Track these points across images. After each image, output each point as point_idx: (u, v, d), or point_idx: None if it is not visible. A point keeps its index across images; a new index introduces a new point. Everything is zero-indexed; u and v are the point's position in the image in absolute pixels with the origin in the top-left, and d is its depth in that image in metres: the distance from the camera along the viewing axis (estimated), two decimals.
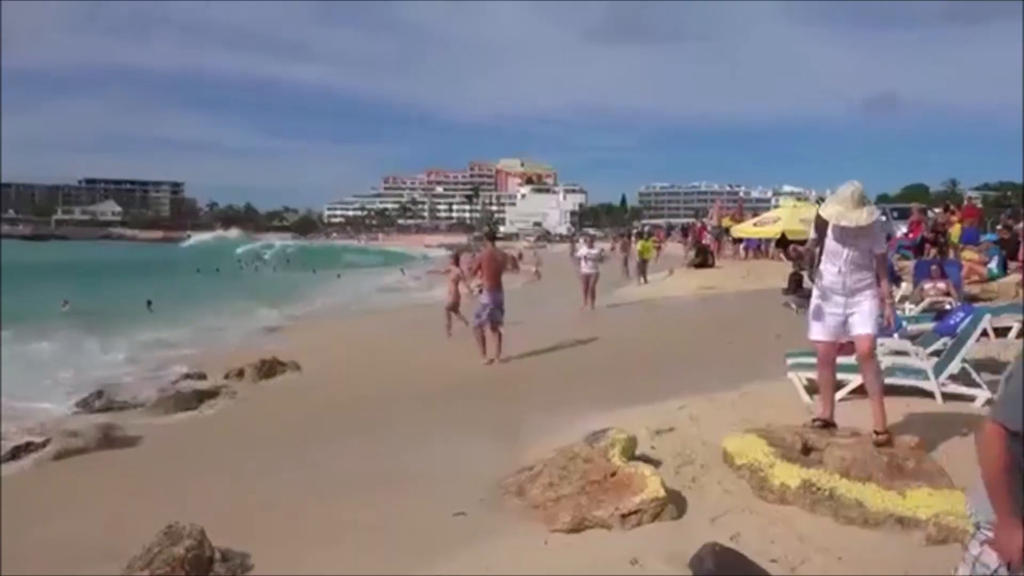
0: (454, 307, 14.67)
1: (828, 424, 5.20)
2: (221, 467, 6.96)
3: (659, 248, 34.30)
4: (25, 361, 13.61)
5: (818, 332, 5.19)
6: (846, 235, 5.00)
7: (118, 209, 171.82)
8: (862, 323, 5.06)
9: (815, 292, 5.26)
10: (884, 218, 5.36)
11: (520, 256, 46.22)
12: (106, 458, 7.56)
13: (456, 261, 15.59)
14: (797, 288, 14.24)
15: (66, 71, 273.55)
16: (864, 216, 4.92)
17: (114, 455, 7.66)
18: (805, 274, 13.77)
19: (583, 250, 18.48)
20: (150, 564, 4.10)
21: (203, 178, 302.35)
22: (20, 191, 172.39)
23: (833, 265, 5.09)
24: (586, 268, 17.76)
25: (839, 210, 4.96)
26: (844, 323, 5.11)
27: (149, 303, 23.31)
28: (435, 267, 17.69)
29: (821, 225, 5.13)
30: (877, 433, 4.87)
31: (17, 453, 7.56)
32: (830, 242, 5.08)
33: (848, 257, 5.04)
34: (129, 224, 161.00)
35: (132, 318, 19.95)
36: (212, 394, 10.18)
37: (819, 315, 5.17)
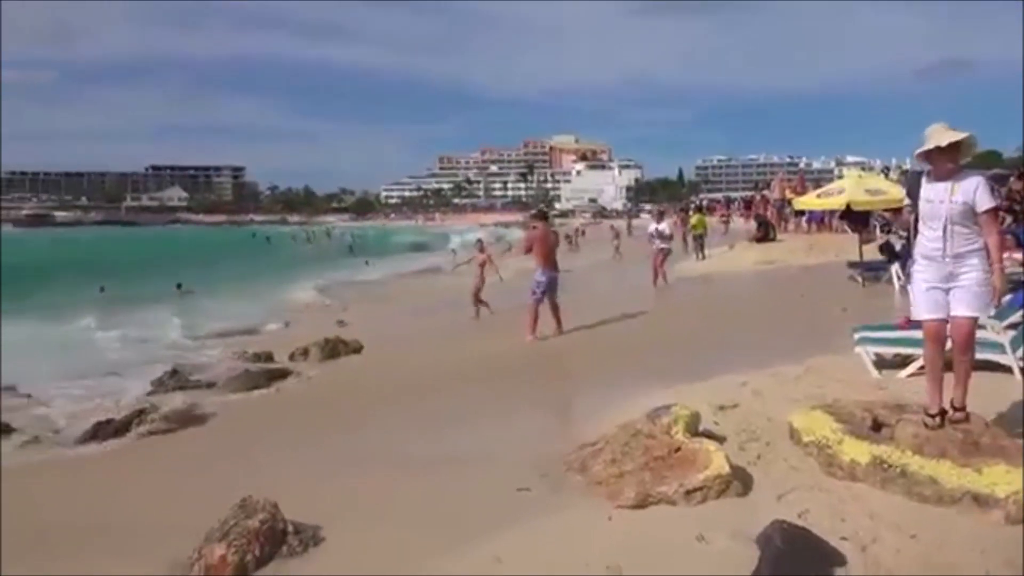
0: (477, 291, 14.94)
1: (944, 415, 4.60)
2: (291, 444, 7.15)
3: (726, 222, 33.68)
4: (112, 339, 14.24)
5: (924, 309, 4.56)
6: (938, 191, 4.47)
7: (183, 195, 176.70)
8: (962, 301, 4.43)
9: (916, 265, 4.69)
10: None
11: (582, 233, 46.14)
12: (181, 435, 7.85)
13: (482, 247, 15.88)
14: (892, 256, 13.56)
15: (130, 63, 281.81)
16: (953, 134, 4.40)
17: (188, 432, 7.94)
18: (894, 237, 13.29)
19: (653, 225, 18.21)
20: (226, 536, 4.24)
21: (263, 162, 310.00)
22: (92, 179, 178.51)
23: (930, 229, 4.50)
24: (658, 243, 17.46)
25: (925, 139, 4.49)
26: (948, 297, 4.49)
27: (179, 285, 23.84)
28: (460, 258, 17.80)
29: (913, 184, 4.65)
30: (955, 409, 4.64)
31: (97, 431, 7.89)
32: (923, 203, 4.53)
33: (949, 216, 4.42)
34: (193, 209, 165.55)
35: (217, 298, 20.70)
36: (281, 374, 10.47)
37: (922, 290, 4.57)
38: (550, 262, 11.52)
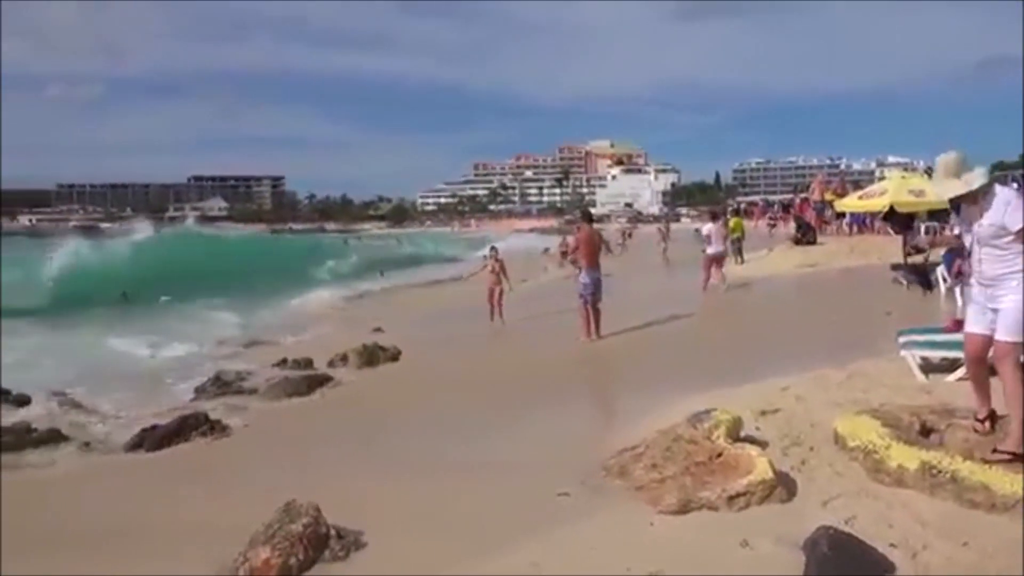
0: (492, 295, 15.13)
1: (994, 418, 4.54)
2: (332, 450, 7.23)
3: (773, 225, 33.28)
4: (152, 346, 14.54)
5: (968, 321, 4.54)
6: (966, 213, 4.42)
7: (224, 204, 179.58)
8: (1000, 326, 4.30)
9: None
10: (1016, 187, 4.60)
11: (629, 235, 46.02)
12: (225, 441, 7.97)
13: (496, 254, 15.93)
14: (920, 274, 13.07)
15: (170, 76, 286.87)
16: (957, 186, 4.29)
17: (232, 439, 8.06)
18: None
19: (709, 226, 17.32)
20: (271, 539, 4.30)
21: (301, 171, 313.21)
22: (136, 191, 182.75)
23: (972, 252, 4.45)
24: (714, 247, 16.43)
25: (935, 186, 4.47)
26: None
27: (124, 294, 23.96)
28: (472, 269, 17.52)
29: (953, 207, 4.56)
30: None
31: (144, 438, 8.04)
32: (961, 223, 4.47)
33: (978, 239, 4.35)
34: (235, 218, 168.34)
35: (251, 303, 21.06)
36: (321, 380, 10.57)
37: (970, 302, 4.57)
38: (594, 263, 11.74)
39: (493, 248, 16.49)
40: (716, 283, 16.05)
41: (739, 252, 22.34)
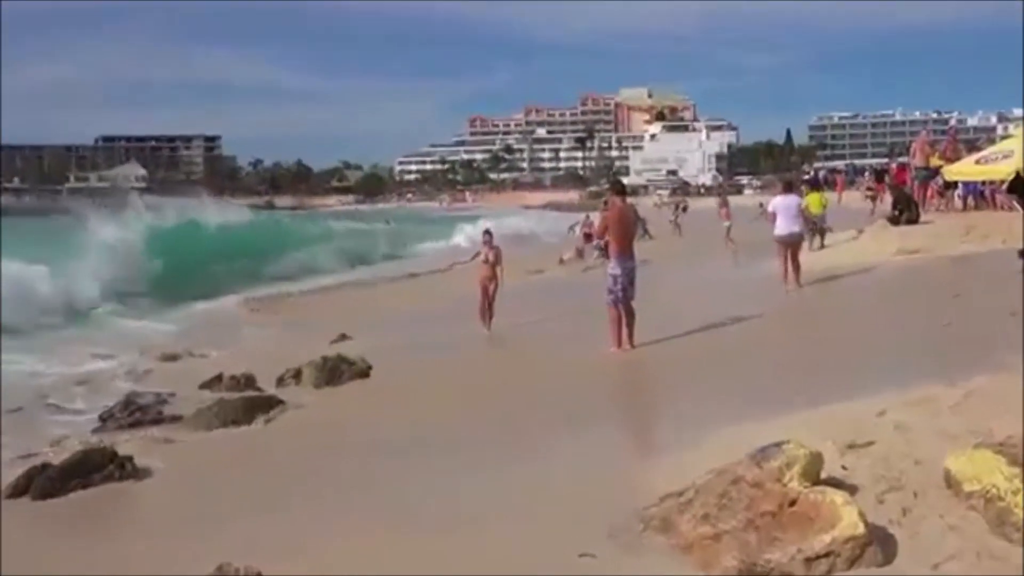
0: (484, 293, 15.30)
1: None
2: (280, 497, 7.22)
3: (874, 198, 33.31)
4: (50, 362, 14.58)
5: None
6: None
7: (142, 172, 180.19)
8: None
9: None
10: None
11: (684, 209, 46.13)
12: (137, 486, 7.96)
13: (490, 240, 15.94)
14: None
15: (72, 5, 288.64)
16: None
17: (149, 482, 8.06)
18: None
19: (777, 200, 16.74)
20: None
21: (243, 130, 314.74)
22: (26, 156, 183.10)
23: None
24: (786, 226, 15.85)
25: None
26: None
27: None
28: (460, 259, 17.37)
29: None
30: None
31: (30, 483, 7.93)
32: None
33: None
34: (156, 190, 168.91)
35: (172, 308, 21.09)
36: (266, 404, 10.58)
37: None
38: (627, 249, 11.75)
39: (487, 232, 16.49)
40: (790, 284, 15.69)
41: (818, 234, 22.29)
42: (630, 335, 11.62)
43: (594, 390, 10.10)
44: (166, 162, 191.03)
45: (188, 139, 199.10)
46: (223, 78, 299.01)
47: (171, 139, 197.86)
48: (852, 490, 4.97)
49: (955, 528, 4.57)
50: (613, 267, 11.67)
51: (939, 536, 4.52)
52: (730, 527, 4.64)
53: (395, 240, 48.42)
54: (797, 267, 15.81)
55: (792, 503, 4.62)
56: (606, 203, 12.44)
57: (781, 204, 16.28)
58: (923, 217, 23.92)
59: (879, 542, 4.39)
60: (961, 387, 6.83)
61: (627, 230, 11.89)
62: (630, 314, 11.65)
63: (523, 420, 8.93)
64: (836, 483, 5.04)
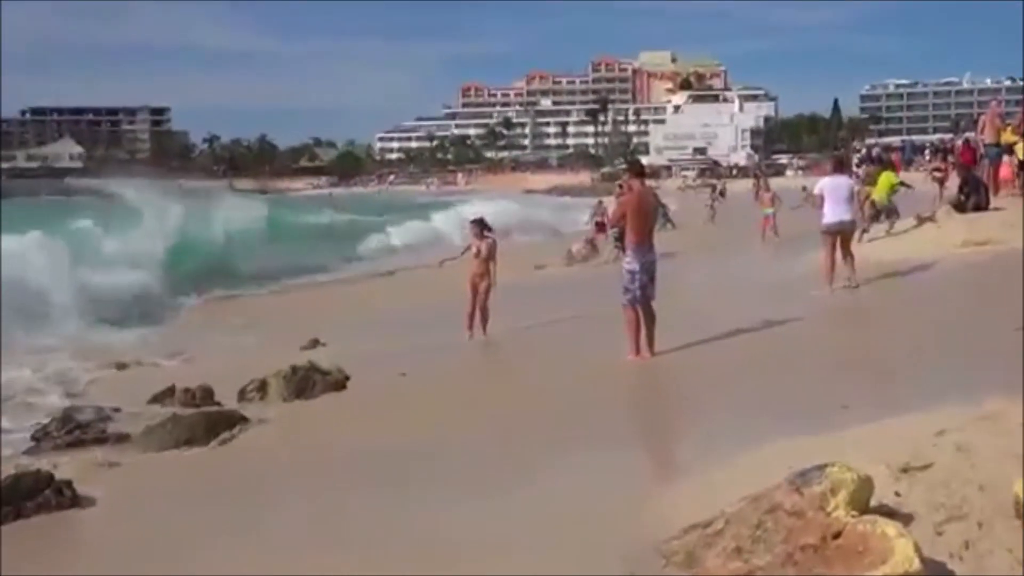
0: (473, 291, 15.33)
1: None
2: (239, 525, 7.29)
3: (941, 180, 33.20)
4: None
5: None
6: None
7: (78, 150, 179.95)
8: None
9: None
10: None
11: (721, 193, 46.22)
12: (81, 516, 7.98)
13: (481, 230, 15.84)
14: None
15: None
16: None
17: (91, 512, 8.08)
18: None
19: (824, 182, 16.31)
20: None
21: (196, 101, 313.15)
22: None
23: None
24: (836, 214, 15.46)
25: None
26: None
27: None
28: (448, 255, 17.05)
29: None
30: None
31: None
32: None
33: None
34: (94, 171, 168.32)
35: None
36: (227, 421, 10.60)
37: None
38: (646, 239, 11.76)
39: (478, 222, 16.25)
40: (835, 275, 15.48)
41: (883, 219, 22.19)
42: (650, 341, 11.65)
43: (607, 404, 10.14)
44: (106, 138, 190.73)
45: (132, 111, 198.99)
46: (173, 40, 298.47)
47: (112, 111, 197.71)
48: (906, 520, 5.00)
49: None
50: (630, 261, 11.67)
51: (1008, 571, 4.55)
52: (765, 563, 4.66)
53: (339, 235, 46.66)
54: (851, 260, 15.56)
55: (837, 535, 4.64)
56: (622, 186, 12.46)
57: (830, 186, 15.96)
58: (993, 203, 23.96)
59: None
60: None
61: (647, 218, 11.92)
62: (650, 316, 11.66)
63: (524, 439, 8.98)
64: (888, 512, 5.07)
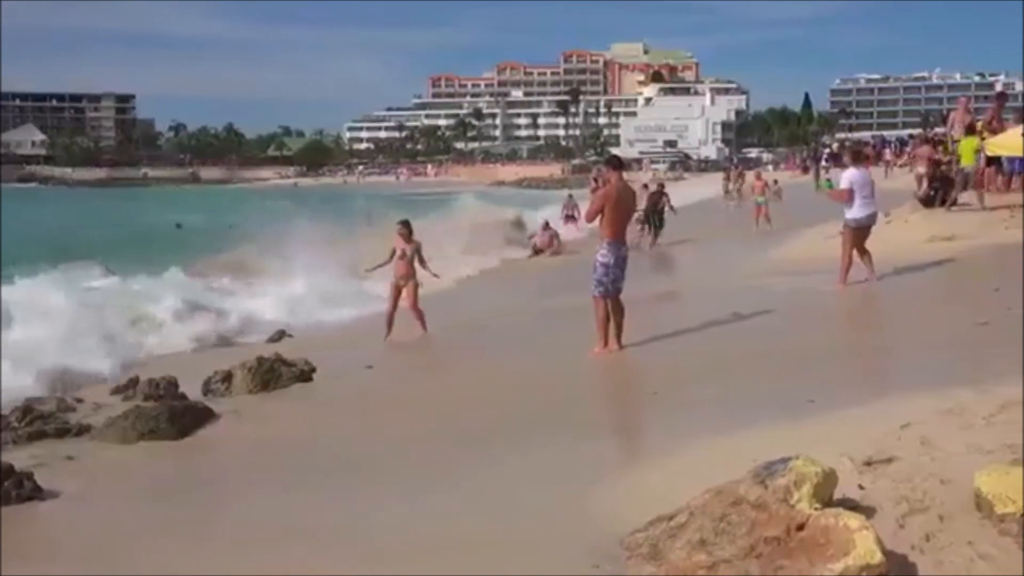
0: (396, 292, 15.62)
1: None
2: (204, 519, 7.29)
3: (931, 176, 33.63)
4: None
5: None
6: None
7: (40, 137, 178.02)
8: None
9: None
10: None
11: (740, 177, 46.37)
12: (43, 511, 7.93)
13: (408, 232, 16.04)
14: None
15: None
16: None
17: (54, 506, 8.01)
18: None
19: (850, 175, 15.38)
20: None
21: (162, 88, 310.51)
22: None
23: None
24: (863, 208, 14.81)
25: None
26: None
27: None
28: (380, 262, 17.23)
29: None
30: None
31: None
32: None
33: None
34: (57, 160, 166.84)
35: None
36: (189, 412, 10.55)
37: None
38: (621, 233, 11.82)
39: (405, 224, 16.46)
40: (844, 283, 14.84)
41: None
42: (618, 333, 11.72)
43: (573, 397, 10.16)
44: (70, 125, 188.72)
45: (96, 98, 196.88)
46: (139, 25, 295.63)
47: (76, 98, 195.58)
48: (869, 512, 5.04)
49: (985, 556, 4.64)
50: (605, 254, 11.66)
51: (967, 565, 4.59)
52: (729, 555, 4.68)
53: None
54: (868, 255, 14.99)
55: (800, 527, 4.66)
56: (596, 180, 12.51)
57: (859, 179, 15.10)
58: (961, 198, 24.17)
59: (898, 571, 4.46)
60: (995, 396, 6.94)
61: (625, 212, 12.00)
62: (619, 309, 11.74)
63: (488, 432, 8.99)
64: (851, 505, 5.11)
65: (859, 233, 14.77)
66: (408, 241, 15.82)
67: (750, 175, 42.56)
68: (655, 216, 29.49)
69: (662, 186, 35.48)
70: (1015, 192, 24.10)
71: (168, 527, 7.21)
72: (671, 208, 30.64)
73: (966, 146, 23.77)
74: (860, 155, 18.23)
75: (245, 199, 67.20)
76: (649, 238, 28.76)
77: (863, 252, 14.93)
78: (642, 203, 30.40)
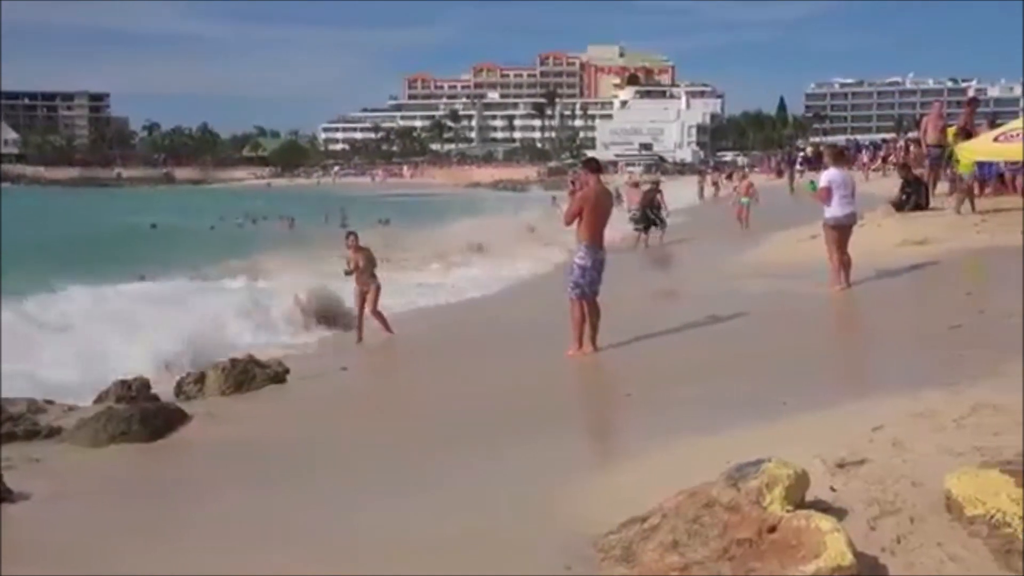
0: (360, 301, 16.18)
1: None
2: (179, 523, 7.24)
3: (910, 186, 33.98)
4: None
5: None
6: None
7: (14, 136, 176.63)
8: None
9: None
10: None
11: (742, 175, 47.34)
12: (13, 513, 7.85)
13: (355, 242, 16.55)
14: None
15: None
16: None
17: (24, 508, 7.94)
18: None
19: (830, 175, 15.24)
20: None
21: (136, 87, 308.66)
22: None
23: None
24: (841, 207, 14.69)
25: None
26: None
27: None
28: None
29: None
30: None
31: None
32: None
33: None
34: (29, 159, 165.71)
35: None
36: (162, 414, 10.49)
37: None
38: (598, 235, 11.82)
39: (353, 235, 17.06)
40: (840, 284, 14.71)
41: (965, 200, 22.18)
42: (593, 336, 11.74)
43: (545, 399, 10.17)
44: (43, 124, 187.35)
45: (70, 96, 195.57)
46: (113, 23, 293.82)
47: (49, 96, 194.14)
48: (841, 514, 5.06)
49: (955, 557, 4.67)
50: (583, 257, 11.70)
51: (937, 566, 4.62)
52: (701, 556, 4.69)
53: None
54: (848, 260, 14.84)
55: (772, 529, 4.68)
56: (574, 183, 12.56)
57: (838, 179, 15.02)
58: (933, 202, 24.35)
59: (869, 573, 4.48)
60: (967, 399, 7.00)
61: (603, 214, 11.98)
62: (595, 311, 11.77)
63: (460, 434, 8.99)
64: (823, 507, 5.13)
65: (838, 232, 14.71)
66: (357, 251, 16.37)
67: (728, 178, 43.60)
68: (654, 213, 30.12)
69: (657, 183, 36.33)
70: (988, 197, 24.34)
71: (139, 529, 7.16)
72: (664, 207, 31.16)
73: (966, 151, 23.86)
74: (841, 155, 18.25)
75: (220, 200, 67.08)
76: (645, 239, 29.45)
77: (843, 254, 14.82)
78: (634, 202, 30.91)
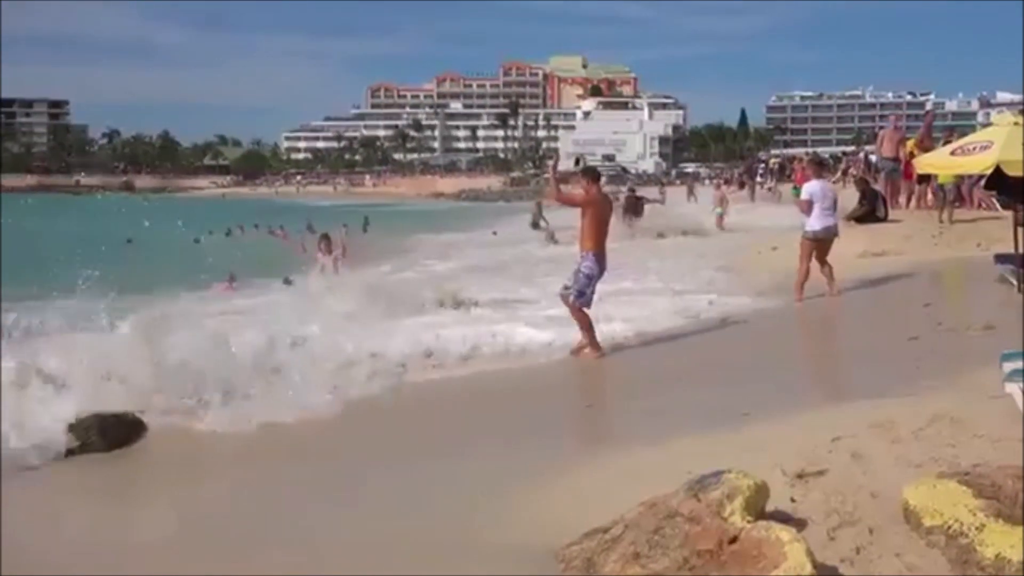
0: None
1: None
2: (137, 536, 7.15)
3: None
4: None
5: None
6: None
7: None
8: None
9: None
10: None
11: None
12: None
13: (328, 245, 16.99)
14: None
15: None
16: None
17: None
18: None
19: (813, 187, 15.19)
20: None
21: (96, 95, 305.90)
22: None
23: None
24: (821, 219, 14.64)
25: None
26: None
27: None
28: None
29: None
30: None
31: None
32: None
33: None
34: None
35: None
36: (124, 425, 10.34)
37: None
38: (603, 245, 11.94)
39: (324, 237, 17.45)
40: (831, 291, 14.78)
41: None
42: (580, 344, 11.89)
43: (509, 407, 10.19)
44: (1, 131, 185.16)
45: (28, 103, 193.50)
46: (73, 29, 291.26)
47: (7, 103, 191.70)
48: (800, 525, 5.09)
49: (913, 567, 4.70)
50: (590, 266, 11.76)
51: None
52: (662, 567, 4.68)
53: None
54: (829, 268, 14.94)
55: (732, 540, 4.68)
56: (568, 185, 12.67)
57: (819, 190, 14.95)
58: (891, 215, 24.62)
59: None
60: (925, 410, 7.06)
61: (606, 223, 12.10)
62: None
63: (421, 442, 8.91)
64: (783, 517, 5.16)
65: (816, 245, 14.72)
66: (328, 253, 16.81)
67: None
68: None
69: (633, 190, 38.97)
70: (944, 210, 24.61)
71: (110, 545, 7.07)
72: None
73: (923, 164, 24.11)
74: (822, 166, 18.32)
75: (191, 209, 66.04)
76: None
77: (823, 265, 14.87)
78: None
